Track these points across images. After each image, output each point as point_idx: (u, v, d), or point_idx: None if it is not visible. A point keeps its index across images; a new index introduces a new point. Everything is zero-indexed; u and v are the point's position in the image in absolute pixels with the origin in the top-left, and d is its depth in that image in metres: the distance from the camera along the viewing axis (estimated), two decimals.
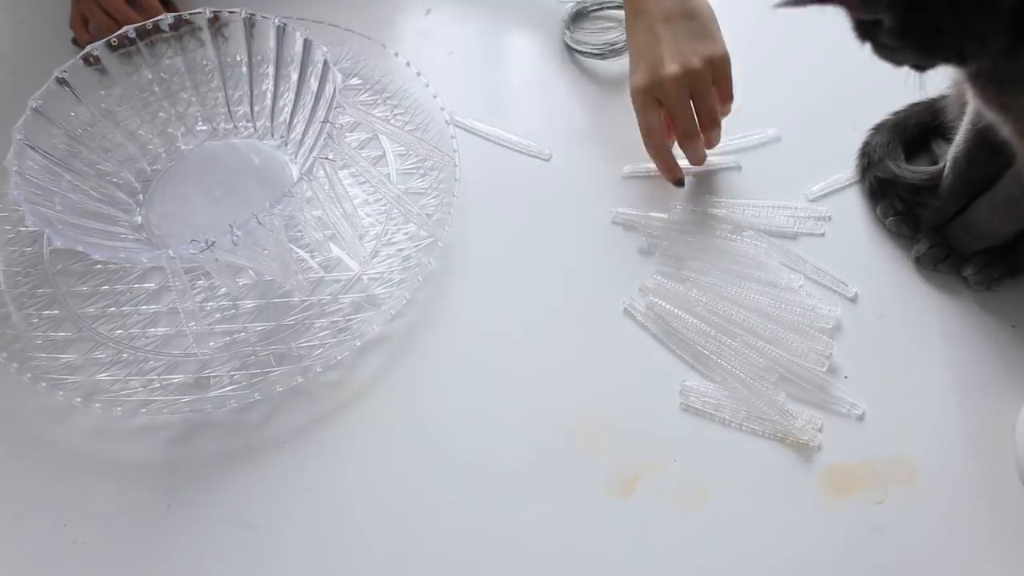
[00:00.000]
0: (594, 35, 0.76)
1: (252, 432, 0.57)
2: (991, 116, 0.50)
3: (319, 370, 0.57)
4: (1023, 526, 0.51)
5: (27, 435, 0.57)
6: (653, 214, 0.65)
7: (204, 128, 0.70)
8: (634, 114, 0.63)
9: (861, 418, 0.55)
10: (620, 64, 0.75)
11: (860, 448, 0.54)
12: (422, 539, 0.52)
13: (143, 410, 0.56)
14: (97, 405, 0.56)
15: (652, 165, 0.66)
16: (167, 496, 0.54)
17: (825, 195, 0.66)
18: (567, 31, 0.76)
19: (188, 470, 0.55)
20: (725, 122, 0.64)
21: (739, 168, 0.67)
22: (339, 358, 0.58)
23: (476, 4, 0.81)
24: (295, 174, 0.67)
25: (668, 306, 0.60)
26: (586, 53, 0.75)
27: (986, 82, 0.47)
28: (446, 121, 0.68)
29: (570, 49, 0.76)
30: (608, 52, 0.74)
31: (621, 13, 0.73)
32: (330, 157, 0.57)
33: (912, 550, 0.51)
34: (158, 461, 0.56)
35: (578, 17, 0.77)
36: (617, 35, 0.75)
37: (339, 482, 0.54)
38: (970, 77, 0.48)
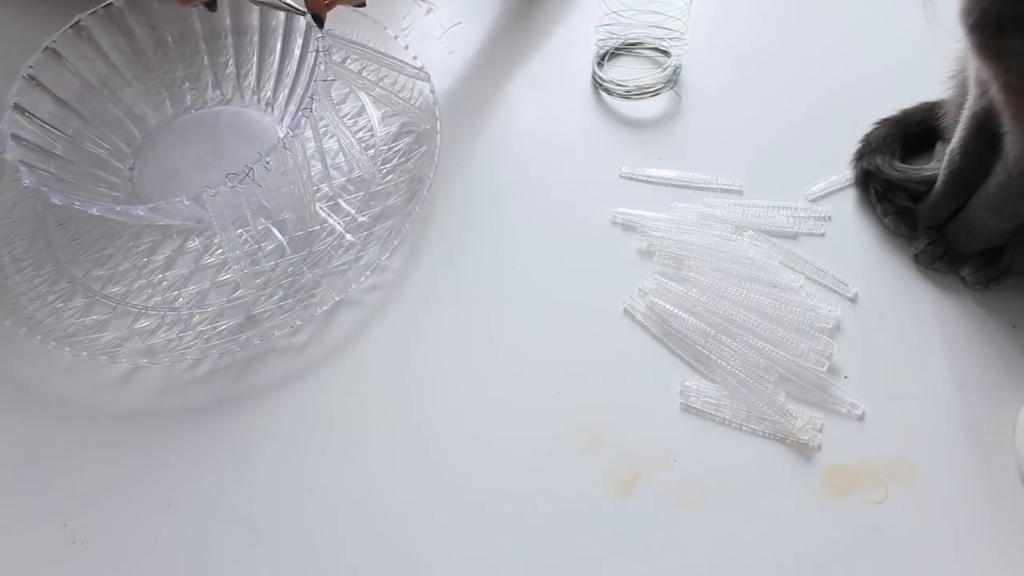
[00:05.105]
0: (623, 73, 0.74)
1: (251, 431, 0.57)
2: (983, 70, 0.50)
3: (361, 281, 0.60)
4: (1023, 526, 0.51)
5: (27, 435, 0.57)
6: (653, 214, 0.65)
7: (189, 96, 0.71)
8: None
9: (861, 418, 0.55)
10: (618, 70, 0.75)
11: (860, 448, 0.54)
12: (422, 539, 0.52)
13: (189, 357, 0.58)
14: (144, 362, 0.57)
15: (651, 169, 0.67)
16: (167, 495, 0.54)
17: (825, 195, 0.66)
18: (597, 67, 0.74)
19: (188, 469, 0.55)
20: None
21: (740, 192, 0.67)
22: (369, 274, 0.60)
23: (477, 4, 0.81)
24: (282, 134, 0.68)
25: (668, 306, 0.60)
26: (612, 92, 0.73)
27: (984, 27, 0.47)
28: (441, 122, 0.69)
29: (597, 86, 0.74)
30: (635, 93, 0.72)
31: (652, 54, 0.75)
32: (328, 78, 0.59)
33: (912, 550, 0.51)
34: (158, 460, 0.56)
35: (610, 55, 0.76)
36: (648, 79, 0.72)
37: (339, 482, 0.54)
38: (969, 26, 0.48)
